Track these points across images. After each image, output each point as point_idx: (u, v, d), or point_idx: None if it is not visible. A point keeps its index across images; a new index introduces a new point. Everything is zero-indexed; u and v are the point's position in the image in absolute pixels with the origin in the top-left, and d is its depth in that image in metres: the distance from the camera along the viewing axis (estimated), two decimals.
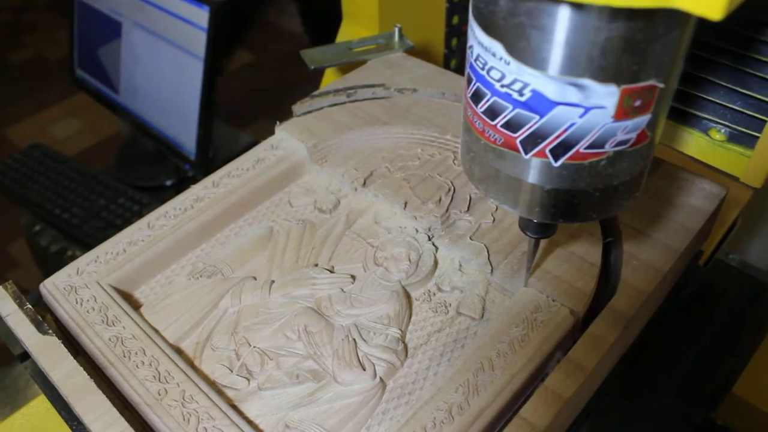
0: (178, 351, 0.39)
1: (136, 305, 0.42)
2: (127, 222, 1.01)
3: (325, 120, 0.53)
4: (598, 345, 0.36)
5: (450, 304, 0.41)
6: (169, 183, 1.09)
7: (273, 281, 0.42)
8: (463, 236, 0.44)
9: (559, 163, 0.27)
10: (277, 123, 0.52)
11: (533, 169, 0.28)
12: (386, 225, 0.47)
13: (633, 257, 0.41)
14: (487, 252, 0.43)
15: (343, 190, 0.50)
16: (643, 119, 0.26)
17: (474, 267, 0.43)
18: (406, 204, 0.47)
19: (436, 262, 0.44)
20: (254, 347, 0.38)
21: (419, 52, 0.63)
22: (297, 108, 0.54)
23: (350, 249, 0.45)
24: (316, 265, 0.44)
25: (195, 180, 0.48)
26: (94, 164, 1.18)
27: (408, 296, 0.42)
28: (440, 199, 0.47)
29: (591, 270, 0.40)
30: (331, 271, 0.43)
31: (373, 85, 0.55)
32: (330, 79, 0.72)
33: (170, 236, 0.45)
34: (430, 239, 0.45)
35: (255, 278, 0.43)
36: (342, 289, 0.41)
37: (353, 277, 0.43)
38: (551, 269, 0.41)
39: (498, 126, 0.27)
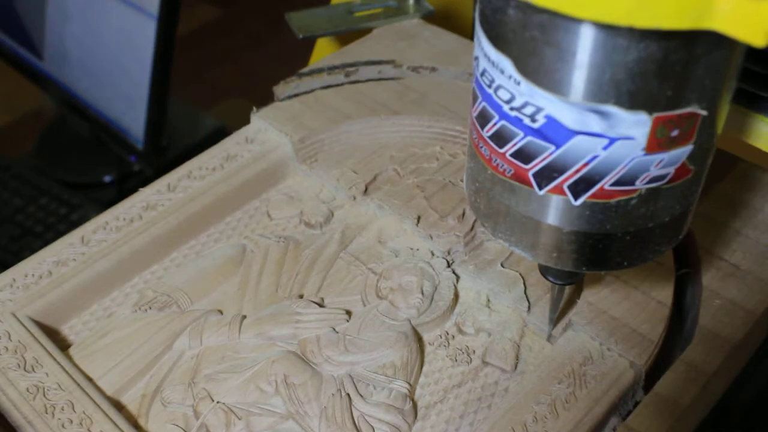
0: (118, 406, 0.39)
1: (63, 345, 0.43)
2: (51, 229, 1.01)
3: (317, 106, 0.53)
4: (668, 409, 0.36)
5: (474, 351, 0.42)
6: (108, 179, 1.08)
7: (244, 317, 0.43)
8: (493, 262, 0.45)
9: (580, 201, 0.28)
10: (254, 109, 0.53)
11: (550, 208, 0.29)
12: (393, 246, 0.47)
13: (715, 294, 0.41)
14: (524, 283, 0.43)
15: (338, 198, 0.50)
16: (683, 151, 0.27)
17: (506, 303, 0.43)
18: (419, 219, 0.47)
19: (456, 296, 0.44)
20: (218, 403, 0.39)
21: (441, 18, 0.62)
22: (280, 90, 0.54)
23: (345, 276, 0.46)
24: (301, 297, 0.44)
25: (143, 177, 0.50)
26: (7, 151, 1.17)
27: (419, 340, 0.42)
28: (464, 213, 0.47)
29: (659, 310, 0.41)
30: (321, 305, 0.44)
31: (379, 62, 0.55)
32: (323, 51, 0.72)
33: (111, 255, 0.45)
34: (449, 265, 0.45)
35: (221, 312, 0.44)
36: (334, 329, 0.42)
37: (349, 313, 0.43)
38: (607, 308, 0.41)
39: (507, 155, 0.29)
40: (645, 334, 0.40)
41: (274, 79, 0.54)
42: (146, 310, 0.43)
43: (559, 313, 0.41)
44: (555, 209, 0.29)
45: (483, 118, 0.29)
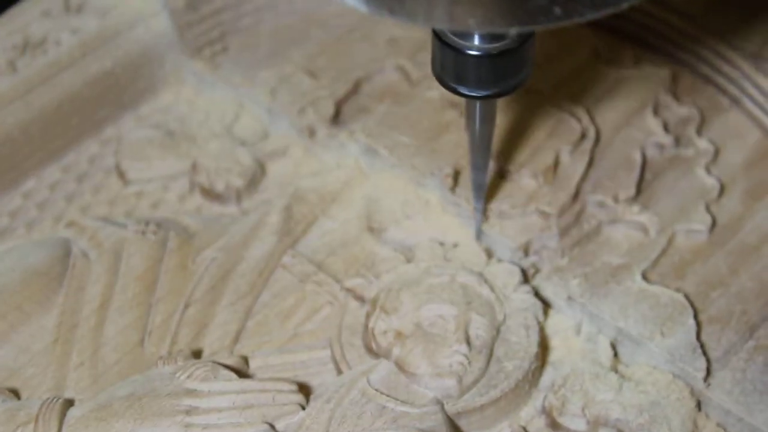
0: None
1: None
2: None
3: None
4: None
5: None
6: None
7: (70, 403, 0.38)
8: (624, 270, 0.41)
9: None
10: None
11: None
12: (399, 238, 0.43)
13: None
14: (695, 316, 0.39)
15: (276, 134, 0.47)
16: None
17: (656, 361, 0.40)
18: (457, 176, 0.42)
19: (545, 347, 0.40)
20: None
21: None
22: None
23: (296, 307, 0.41)
24: (197, 355, 0.40)
25: None
26: None
27: None
28: (556, 162, 0.43)
29: None
30: (242, 373, 0.39)
31: None
32: None
33: None
34: (527, 280, 0.41)
35: (15, 394, 0.40)
36: (273, 427, 0.37)
37: (305, 389, 0.38)
38: None
39: None
40: None
41: None
42: None
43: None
44: None
45: None
